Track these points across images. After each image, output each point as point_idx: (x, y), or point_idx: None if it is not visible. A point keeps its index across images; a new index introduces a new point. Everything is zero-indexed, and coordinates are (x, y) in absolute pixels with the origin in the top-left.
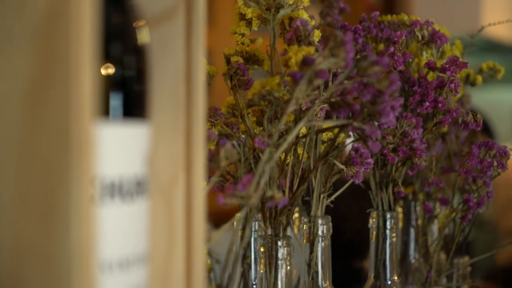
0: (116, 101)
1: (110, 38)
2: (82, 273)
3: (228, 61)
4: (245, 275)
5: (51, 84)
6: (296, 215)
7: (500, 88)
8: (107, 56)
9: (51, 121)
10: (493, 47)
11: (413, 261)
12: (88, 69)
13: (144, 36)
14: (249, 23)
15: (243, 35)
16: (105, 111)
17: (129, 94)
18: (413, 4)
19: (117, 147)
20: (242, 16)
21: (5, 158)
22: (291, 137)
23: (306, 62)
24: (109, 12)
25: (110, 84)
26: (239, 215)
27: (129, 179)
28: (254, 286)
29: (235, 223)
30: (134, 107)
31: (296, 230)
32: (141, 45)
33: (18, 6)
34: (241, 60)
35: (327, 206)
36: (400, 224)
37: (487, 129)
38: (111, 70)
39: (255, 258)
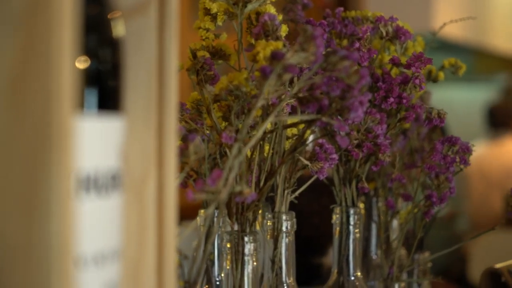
0: (91, 95)
1: (87, 31)
2: (61, 267)
3: (194, 55)
4: (208, 272)
5: (32, 77)
6: (260, 211)
7: (454, 86)
8: (84, 49)
9: (32, 114)
10: (445, 46)
11: (374, 257)
12: (68, 62)
13: (119, 29)
14: (214, 18)
15: (207, 30)
16: (81, 104)
17: (104, 88)
18: (365, 3)
19: (92, 140)
20: (207, 11)
21: None
22: (260, 132)
23: (275, 57)
24: (86, 4)
25: (86, 77)
26: (203, 212)
27: (104, 172)
28: (218, 283)
29: (198, 219)
30: (109, 100)
31: (258, 226)
32: (116, 38)
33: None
34: (207, 55)
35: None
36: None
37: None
38: (87, 63)
39: (219, 254)
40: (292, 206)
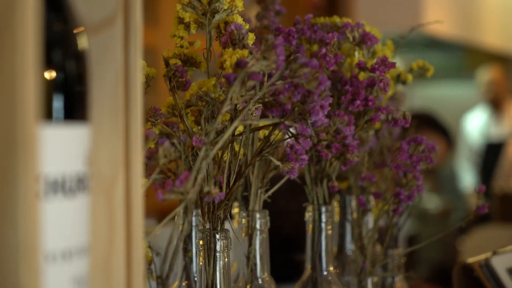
0: (58, 104)
1: (52, 45)
2: (28, 264)
3: (166, 63)
4: (187, 269)
5: None
6: (237, 210)
7: (446, 84)
8: (50, 62)
9: None
10: (435, 44)
11: (349, 253)
12: (32, 75)
13: (84, 42)
14: (187, 26)
15: (182, 38)
16: (48, 114)
17: (70, 97)
18: (354, 2)
19: (59, 147)
20: (181, 20)
21: None
22: (226, 136)
23: (239, 65)
24: (51, 20)
25: (53, 88)
26: (174, 211)
27: (71, 176)
28: (196, 279)
29: (176, 217)
30: (75, 109)
31: (236, 225)
32: (81, 51)
33: None
34: (179, 63)
35: (267, 202)
36: (337, 218)
37: (438, 126)
38: (53, 75)
39: (197, 252)
40: (273, 206)
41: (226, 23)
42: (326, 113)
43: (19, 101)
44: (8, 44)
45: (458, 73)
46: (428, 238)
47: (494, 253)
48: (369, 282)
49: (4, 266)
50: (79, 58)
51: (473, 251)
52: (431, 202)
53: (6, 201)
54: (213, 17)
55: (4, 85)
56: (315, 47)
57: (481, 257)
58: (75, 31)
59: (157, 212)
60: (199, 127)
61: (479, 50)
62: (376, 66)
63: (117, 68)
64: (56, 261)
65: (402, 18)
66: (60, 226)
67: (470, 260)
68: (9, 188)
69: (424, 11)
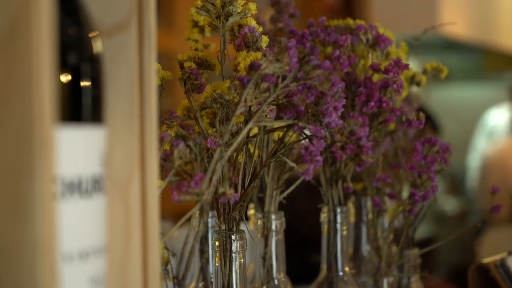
0: (74, 106)
1: (67, 48)
2: (45, 263)
3: (181, 66)
4: (203, 270)
5: (15, 93)
6: (252, 211)
7: (462, 86)
8: (65, 65)
9: (16, 126)
10: (453, 46)
11: (365, 253)
12: (48, 79)
13: (98, 45)
14: (202, 29)
15: (196, 41)
16: (64, 116)
17: (85, 100)
18: (371, 3)
19: (75, 149)
20: (195, 23)
21: None
22: (240, 137)
23: (252, 67)
24: (66, 24)
25: (68, 91)
26: (190, 212)
27: (87, 177)
28: (213, 280)
29: (192, 219)
30: (91, 111)
31: (252, 226)
32: (96, 54)
33: None
34: (194, 65)
35: (282, 203)
36: (352, 219)
37: (433, 124)
38: (69, 78)
39: (212, 253)
40: (290, 207)
41: (240, 26)
42: (339, 114)
43: (35, 103)
44: (24, 47)
45: (475, 75)
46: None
47: (510, 253)
48: (385, 283)
49: (21, 266)
50: (94, 61)
51: (490, 251)
52: (448, 204)
53: (24, 202)
54: (227, 20)
55: (21, 88)
56: (329, 49)
57: (497, 257)
58: (89, 35)
59: (172, 214)
60: (214, 129)
61: (496, 51)
62: (390, 67)
63: (132, 71)
64: (73, 261)
65: (418, 20)
66: (77, 227)
67: (486, 260)
68: (26, 189)
69: (440, 13)
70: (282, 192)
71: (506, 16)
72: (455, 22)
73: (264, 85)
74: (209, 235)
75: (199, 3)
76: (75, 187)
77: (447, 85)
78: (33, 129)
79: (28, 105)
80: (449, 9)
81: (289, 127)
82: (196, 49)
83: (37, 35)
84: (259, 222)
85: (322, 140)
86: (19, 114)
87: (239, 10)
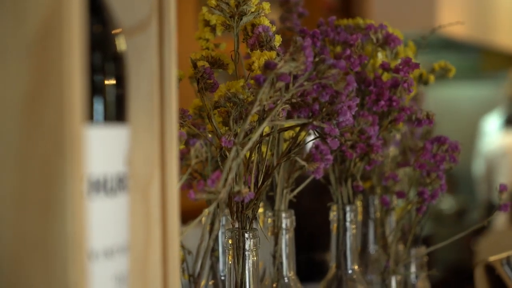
0: (99, 106)
1: (93, 48)
2: (76, 261)
3: (194, 65)
4: (213, 268)
5: (46, 93)
6: (261, 210)
7: (460, 85)
8: (93, 65)
9: (47, 126)
10: (450, 45)
11: (372, 252)
12: (79, 78)
13: (122, 45)
14: (213, 29)
15: (207, 40)
16: (90, 115)
17: (110, 99)
18: (370, 2)
19: (101, 148)
20: (207, 23)
21: (6, 159)
22: (255, 136)
23: (268, 66)
24: (92, 24)
25: (94, 90)
26: (207, 210)
27: (112, 176)
28: (223, 278)
29: (203, 218)
30: (115, 110)
31: (261, 224)
32: (120, 53)
33: (15, 24)
34: (207, 65)
35: (291, 202)
36: (360, 217)
37: None
38: (95, 78)
39: (223, 251)
40: (296, 206)
41: (253, 25)
42: (353, 113)
43: (66, 103)
44: (56, 48)
45: (473, 75)
46: (442, 239)
47: None
48: (393, 281)
49: (52, 264)
50: (119, 60)
51: (488, 251)
52: (445, 202)
53: (55, 201)
54: (241, 19)
55: (53, 88)
56: (338, 49)
57: (503, 255)
58: (113, 34)
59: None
60: (227, 128)
61: (495, 51)
62: (400, 67)
63: (152, 70)
64: (99, 259)
65: (417, 19)
66: (102, 225)
67: (492, 258)
68: (58, 187)
69: (439, 13)
70: (292, 190)
71: (504, 15)
72: (462, 22)
73: (280, 84)
74: (219, 233)
75: (213, 2)
76: (101, 186)
77: (444, 84)
78: (64, 129)
79: (60, 105)
80: (447, 9)
81: (303, 126)
82: (207, 48)
83: (68, 36)
84: (269, 220)
85: (336, 139)
86: (51, 115)
87: (252, 10)
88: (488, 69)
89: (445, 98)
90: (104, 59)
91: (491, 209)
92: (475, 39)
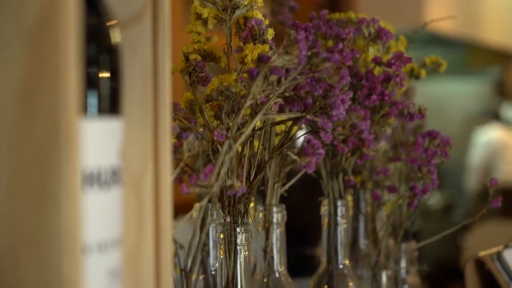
0: (94, 99)
1: (88, 40)
2: (70, 254)
3: (187, 58)
4: (204, 262)
5: (42, 84)
6: (252, 204)
7: (447, 80)
8: (88, 57)
9: (42, 117)
10: (437, 40)
11: (363, 246)
12: (74, 70)
13: (117, 37)
14: (205, 22)
15: (199, 33)
16: (85, 108)
17: (104, 92)
18: None
19: (95, 141)
20: (198, 16)
21: (0, 151)
22: (248, 130)
23: (262, 60)
24: (86, 15)
25: (88, 83)
26: (198, 205)
27: (106, 169)
28: (213, 273)
29: (193, 212)
30: (109, 103)
31: (251, 219)
32: (114, 46)
33: (12, 15)
34: (199, 58)
35: (282, 196)
36: (350, 212)
37: None
38: (89, 70)
39: (214, 245)
40: (285, 200)
41: (246, 18)
42: (346, 107)
43: (62, 95)
44: (52, 40)
45: (460, 70)
46: (429, 234)
47: (506, 246)
48: (384, 276)
49: (47, 257)
50: (113, 52)
51: (475, 247)
52: (432, 198)
53: (50, 193)
54: (234, 12)
55: (49, 80)
56: (330, 43)
57: (493, 250)
58: (108, 26)
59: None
60: (219, 122)
61: (481, 47)
62: (392, 61)
63: (146, 63)
64: (92, 253)
65: (404, 14)
66: (96, 218)
67: (482, 253)
68: (53, 180)
69: (426, 8)
70: (283, 185)
71: (490, 10)
72: (453, 16)
73: (273, 77)
74: (210, 228)
75: None
76: (95, 179)
77: (431, 80)
78: (59, 121)
79: (55, 97)
80: (435, 4)
81: (296, 120)
82: (198, 42)
83: (65, 28)
84: (260, 215)
85: (329, 133)
86: (47, 106)
87: (245, 3)
88: (475, 64)
89: (432, 94)
90: (99, 51)
91: (478, 205)
92: (462, 34)
